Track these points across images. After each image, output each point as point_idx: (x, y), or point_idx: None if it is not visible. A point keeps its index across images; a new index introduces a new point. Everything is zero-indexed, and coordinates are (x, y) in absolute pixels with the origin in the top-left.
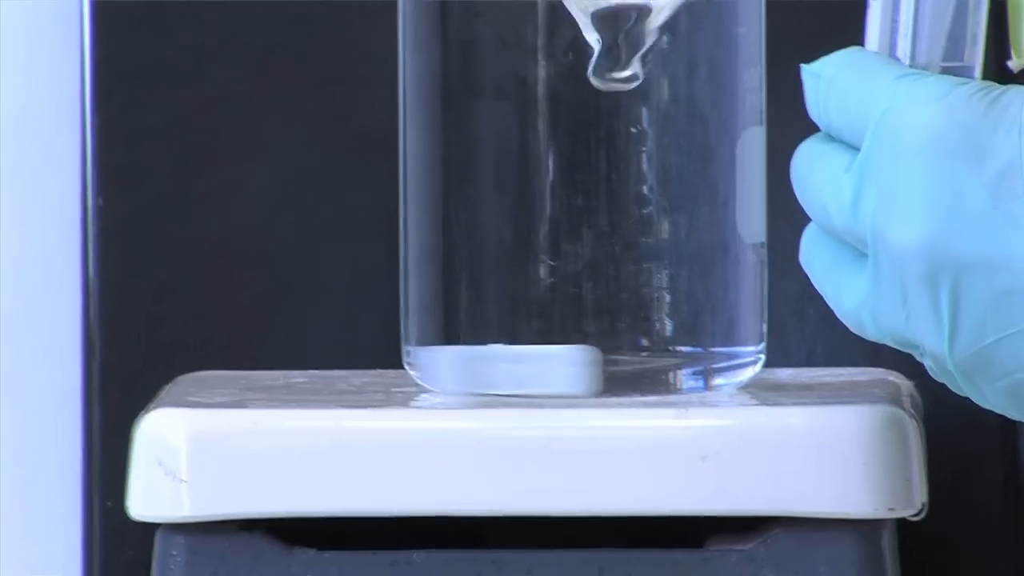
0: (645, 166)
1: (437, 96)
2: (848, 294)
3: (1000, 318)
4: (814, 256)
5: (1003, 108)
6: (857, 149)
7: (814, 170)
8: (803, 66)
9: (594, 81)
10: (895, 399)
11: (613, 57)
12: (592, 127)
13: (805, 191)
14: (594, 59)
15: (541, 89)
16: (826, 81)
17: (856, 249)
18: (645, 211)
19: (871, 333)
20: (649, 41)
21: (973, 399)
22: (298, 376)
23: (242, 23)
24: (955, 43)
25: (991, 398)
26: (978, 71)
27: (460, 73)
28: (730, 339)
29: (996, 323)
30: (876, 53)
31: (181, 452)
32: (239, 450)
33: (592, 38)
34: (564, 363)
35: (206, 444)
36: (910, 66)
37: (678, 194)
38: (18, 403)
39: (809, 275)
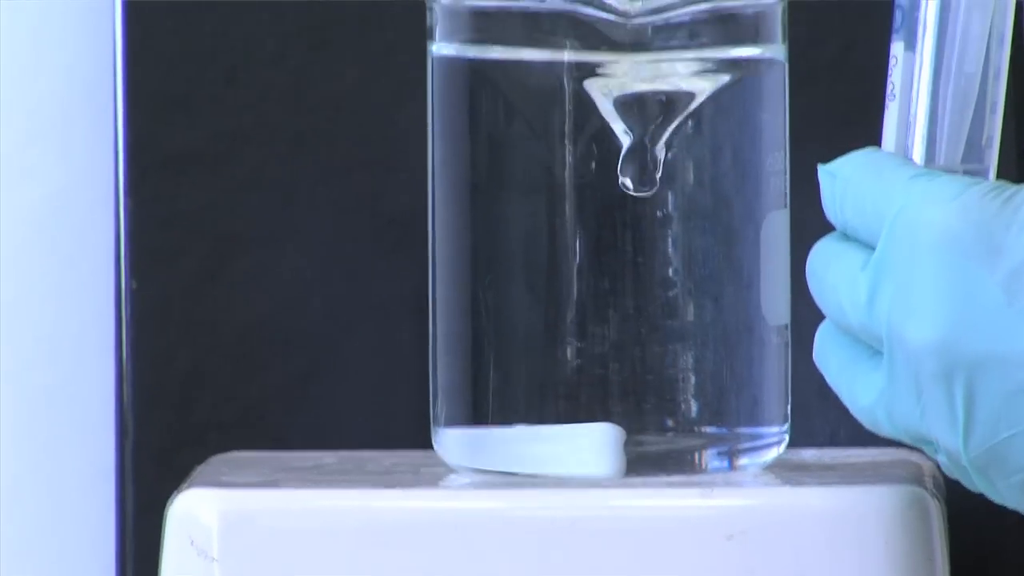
0: (670, 249)
1: (465, 182)
2: (863, 391)
3: (1014, 414)
4: (829, 354)
5: (1016, 207)
6: (872, 248)
7: (830, 268)
8: (820, 166)
9: (623, 185)
10: (918, 479)
11: (640, 150)
12: (618, 211)
13: (821, 289)
14: (623, 153)
15: (568, 174)
16: (842, 181)
17: (871, 347)
18: (670, 293)
19: (886, 429)
20: (672, 131)
21: (987, 495)
22: (328, 457)
23: (273, 109)
24: (971, 145)
25: (1005, 493)
26: (992, 172)
27: (488, 159)
28: (754, 420)
29: (1010, 419)
30: (891, 153)
31: (213, 532)
32: (270, 530)
33: (619, 128)
34: (589, 443)
35: (238, 524)
36: (925, 166)
37: (703, 277)
38: (53, 483)
39: (824, 373)
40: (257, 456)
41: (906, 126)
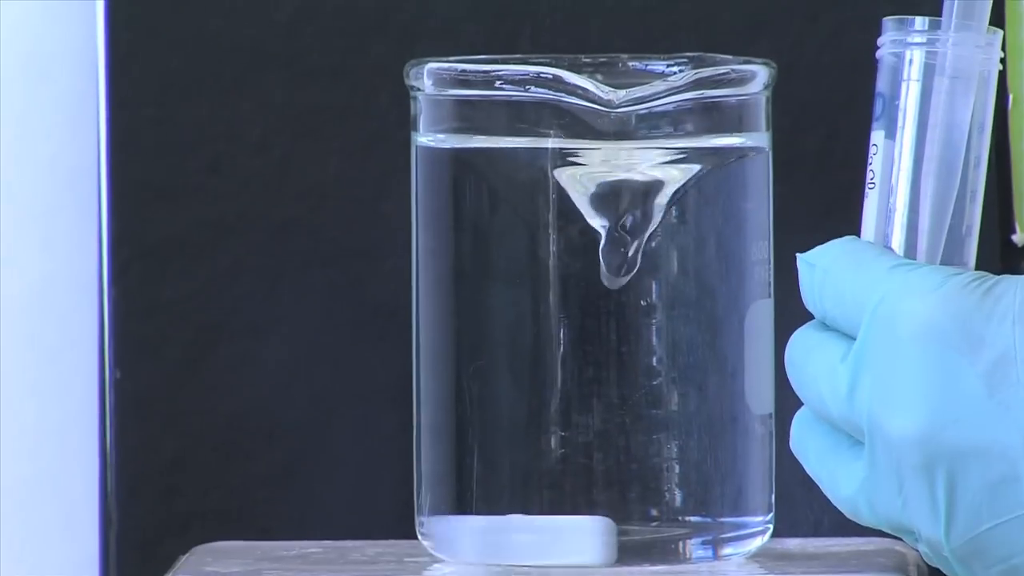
0: (654, 339)
1: (449, 271)
2: (844, 481)
3: (996, 506)
4: (807, 443)
5: (997, 298)
6: (852, 338)
7: (809, 358)
8: (798, 256)
9: (605, 280)
10: (902, 569)
11: (618, 241)
12: (602, 300)
13: (800, 379)
14: (602, 245)
15: (552, 263)
16: (821, 271)
17: (851, 436)
18: (655, 383)
19: (867, 519)
20: (657, 218)
21: None
22: (312, 546)
23: (257, 198)
24: (952, 234)
25: None
26: (972, 261)
27: (472, 248)
28: (739, 509)
29: (992, 511)
30: (871, 243)
31: None
32: None
33: (597, 223)
34: (579, 534)
35: None
36: (905, 256)
37: (687, 366)
38: (37, 573)
39: (802, 461)
40: (241, 546)
41: (886, 215)
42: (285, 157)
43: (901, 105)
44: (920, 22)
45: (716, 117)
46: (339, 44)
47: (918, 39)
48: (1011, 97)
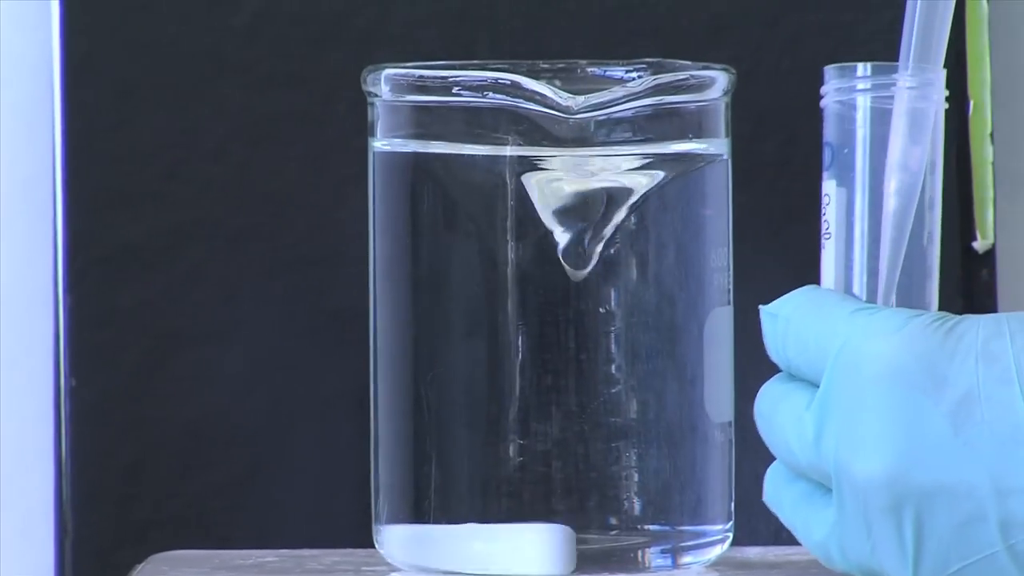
0: (613, 346)
1: (407, 277)
2: (816, 527)
3: (964, 546)
4: (781, 494)
5: (959, 337)
6: (817, 386)
7: (777, 410)
8: (761, 307)
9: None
10: None
11: (579, 245)
12: (561, 307)
13: (769, 431)
14: (561, 249)
15: (510, 270)
16: (783, 320)
17: (822, 484)
18: (613, 391)
19: (839, 564)
20: (616, 223)
21: None
22: (269, 555)
23: (214, 205)
24: (910, 276)
25: None
26: (935, 302)
27: (430, 255)
28: (698, 517)
29: (960, 551)
30: (831, 290)
31: None
32: None
33: (558, 231)
34: (537, 542)
35: None
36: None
37: (646, 373)
38: None
39: (776, 513)
40: (198, 554)
41: (844, 262)
42: (243, 164)
43: (855, 152)
44: (863, 68)
45: (675, 123)
46: (296, 51)
47: (864, 85)
48: (971, 103)
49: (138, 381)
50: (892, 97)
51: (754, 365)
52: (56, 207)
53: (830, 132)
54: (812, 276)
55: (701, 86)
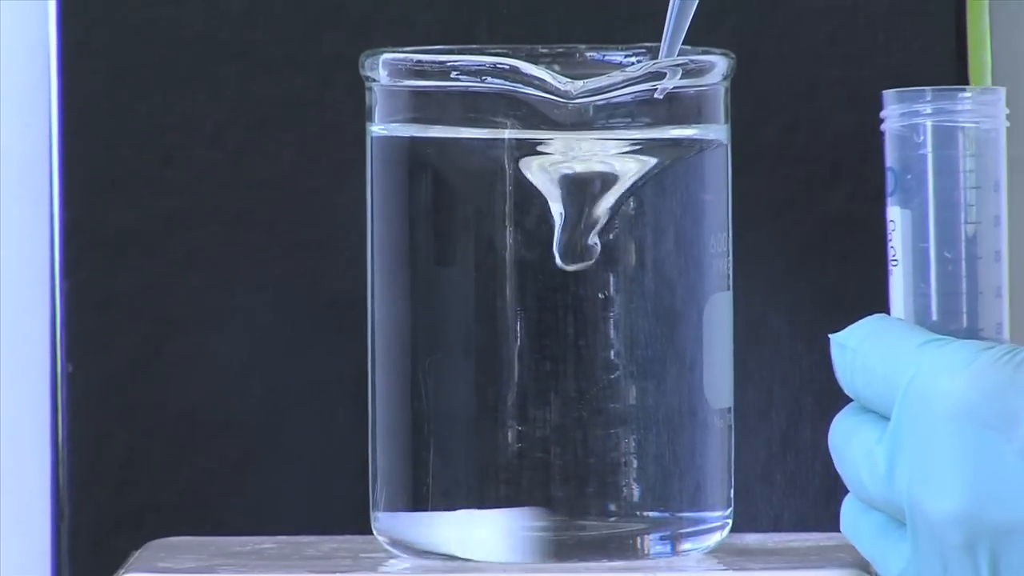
0: (612, 332)
1: (405, 263)
2: (893, 561)
3: None
4: (858, 525)
5: None
6: (887, 419)
7: (849, 443)
8: (831, 336)
9: (559, 261)
10: (861, 564)
11: (575, 228)
12: (560, 293)
13: (842, 464)
14: (557, 232)
15: (509, 256)
16: (851, 352)
17: (896, 517)
18: (612, 376)
19: None
20: (613, 208)
21: None
22: (267, 542)
23: (210, 190)
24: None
25: None
26: (1006, 329)
27: (428, 240)
28: (697, 504)
29: None
30: (898, 319)
31: None
32: None
33: (556, 209)
34: (512, 528)
35: None
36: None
37: (645, 359)
38: None
39: (854, 543)
40: (195, 541)
41: (913, 289)
42: (239, 149)
43: (926, 176)
44: (926, 93)
45: (674, 108)
46: (294, 35)
47: (927, 109)
48: None
49: (135, 367)
50: (954, 119)
51: (753, 350)
52: (53, 192)
53: (892, 157)
54: (812, 262)
55: (700, 71)
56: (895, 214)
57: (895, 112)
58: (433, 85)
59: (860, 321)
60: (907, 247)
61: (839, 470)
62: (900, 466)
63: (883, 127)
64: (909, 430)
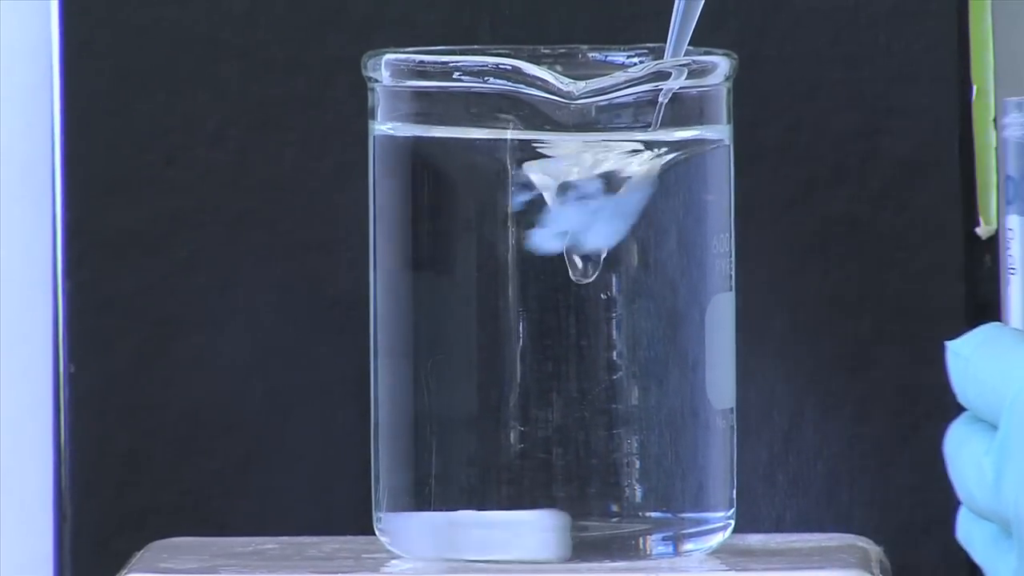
0: (614, 332)
1: (408, 263)
2: (1002, 571)
3: None
4: (972, 534)
5: None
6: (996, 429)
7: (960, 453)
8: (947, 344)
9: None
10: (865, 564)
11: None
12: (562, 293)
13: (953, 473)
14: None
15: (511, 256)
16: (963, 360)
17: (1005, 528)
18: (615, 377)
19: None
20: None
21: None
22: (269, 542)
23: (212, 190)
24: None
25: None
26: None
27: (430, 240)
28: (700, 504)
29: None
30: (1014, 329)
31: None
32: None
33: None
34: (534, 528)
35: None
36: None
37: (647, 360)
38: None
39: (968, 552)
40: (197, 542)
41: None
42: (241, 149)
43: None
44: None
45: (677, 109)
46: (296, 35)
47: None
48: (975, 89)
49: (137, 367)
50: None
51: (756, 351)
52: (55, 193)
53: (1013, 165)
54: (814, 263)
55: (703, 71)
56: (1015, 223)
57: (1016, 120)
58: (435, 86)
59: (975, 329)
60: None
61: (951, 478)
62: (1007, 477)
63: (1004, 135)
64: (1017, 441)
